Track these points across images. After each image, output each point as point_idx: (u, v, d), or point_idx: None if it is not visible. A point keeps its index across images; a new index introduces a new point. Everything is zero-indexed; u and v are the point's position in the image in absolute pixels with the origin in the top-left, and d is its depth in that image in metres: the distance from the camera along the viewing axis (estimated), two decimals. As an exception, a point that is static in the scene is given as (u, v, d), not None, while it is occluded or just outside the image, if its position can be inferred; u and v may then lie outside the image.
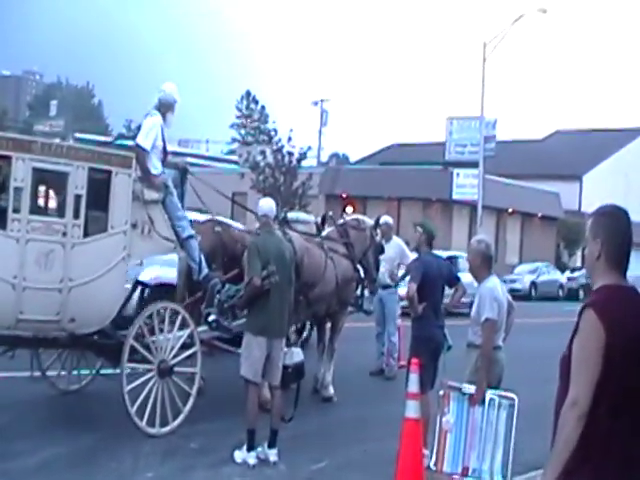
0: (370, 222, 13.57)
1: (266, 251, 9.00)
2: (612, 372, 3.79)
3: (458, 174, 45.86)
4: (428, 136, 71.88)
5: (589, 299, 3.95)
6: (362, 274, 13.25)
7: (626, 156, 65.12)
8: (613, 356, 3.78)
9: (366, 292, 13.63)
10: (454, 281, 9.83)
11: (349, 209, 38.11)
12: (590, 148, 63.32)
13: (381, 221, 14.16)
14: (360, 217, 14.15)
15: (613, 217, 4.05)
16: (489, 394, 7.71)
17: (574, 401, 3.78)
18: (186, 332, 9.84)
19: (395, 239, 15.10)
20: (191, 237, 10.21)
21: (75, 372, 11.21)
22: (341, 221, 13.61)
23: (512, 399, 7.67)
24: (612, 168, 62.50)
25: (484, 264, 8.23)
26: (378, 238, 13.61)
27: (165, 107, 10.36)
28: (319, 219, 12.91)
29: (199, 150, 79.95)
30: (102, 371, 11.06)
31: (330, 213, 14.44)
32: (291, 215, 12.57)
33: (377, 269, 13.52)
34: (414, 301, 9.25)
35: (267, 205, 9.54)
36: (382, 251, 13.64)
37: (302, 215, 13.57)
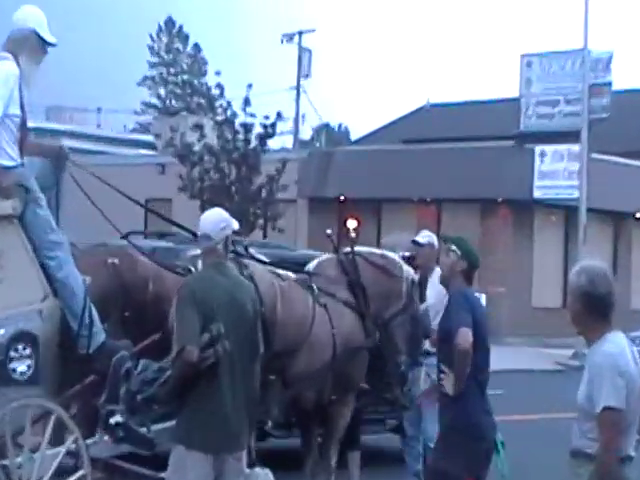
0: (409, 269, 8.88)
1: (210, 300, 6.37)
2: None
3: (544, 154, 29.24)
4: (482, 92, 53.13)
5: None
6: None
7: None
8: None
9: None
10: None
11: (351, 223, 25.34)
12: None
13: (421, 240, 9.33)
14: (390, 254, 9.13)
15: None
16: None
17: None
18: (65, 446, 6.88)
19: (438, 272, 8.70)
20: (71, 277, 7.08)
21: None
22: (347, 249, 8.85)
23: None
24: None
25: (593, 312, 5.18)
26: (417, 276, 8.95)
27: (22, 48, 6.96)
28: None
29: (84, 126, 56.51)
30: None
31: (328, 232, 9.62)
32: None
33: (417, 345, 8.89)
34: (466, 364, 6.42)
35: (211, 219, 6.59)
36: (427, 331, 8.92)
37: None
